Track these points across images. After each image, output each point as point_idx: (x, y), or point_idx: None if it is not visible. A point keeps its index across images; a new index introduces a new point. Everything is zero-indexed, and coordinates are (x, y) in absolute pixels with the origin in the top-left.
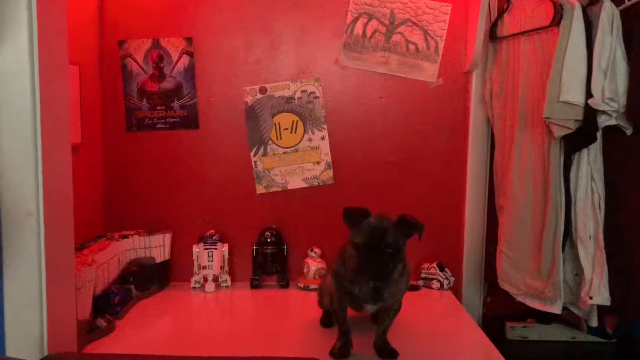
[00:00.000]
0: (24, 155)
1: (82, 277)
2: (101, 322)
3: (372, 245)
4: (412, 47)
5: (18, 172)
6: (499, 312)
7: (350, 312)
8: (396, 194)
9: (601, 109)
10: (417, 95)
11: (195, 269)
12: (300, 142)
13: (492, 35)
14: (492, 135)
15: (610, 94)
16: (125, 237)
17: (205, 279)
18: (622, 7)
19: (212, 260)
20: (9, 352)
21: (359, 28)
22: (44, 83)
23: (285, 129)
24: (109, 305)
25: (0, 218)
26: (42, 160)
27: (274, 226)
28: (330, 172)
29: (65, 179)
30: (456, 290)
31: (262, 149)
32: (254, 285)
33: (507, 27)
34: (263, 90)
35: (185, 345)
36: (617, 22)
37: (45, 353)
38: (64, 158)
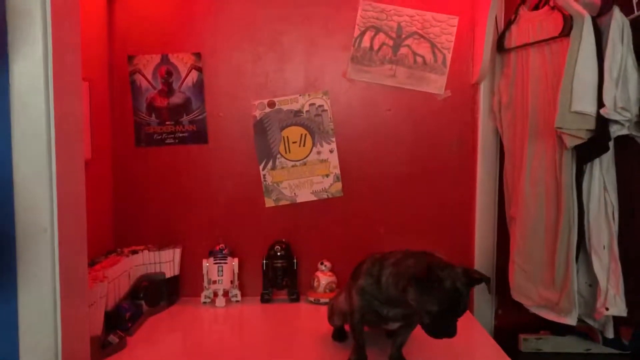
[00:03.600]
0: (39, 171)
1: (95, 293)
2: (113, 338)
3: (450, 313)
4: (419, 59)
5: (33, 188)
6: (510, 325)
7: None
8: (405, 207)
9: (613, 118)
10: (425, 108)
11: (206, 283)
12: (309, 155)
13: (500, 46)
14: (501, 146)
15: (622, 103)
16: (135, 252)
17: (216, 294)
18: (632, 16)
19: (222, 275)
20: None
21: (366, 41)
22: (58, 99)
23: (293, 143)
24: (120, 321)
25: (15, 234)
26: (56, 176)
27: (284, 240)
28: (339, 185)
29: (79, 195)
30: None
31: (271, 163)
32: (265, 300)
33: (515, 38)
34: (271, 104)
35: None
36: (628, 32)
37: None
38: (77, 174)
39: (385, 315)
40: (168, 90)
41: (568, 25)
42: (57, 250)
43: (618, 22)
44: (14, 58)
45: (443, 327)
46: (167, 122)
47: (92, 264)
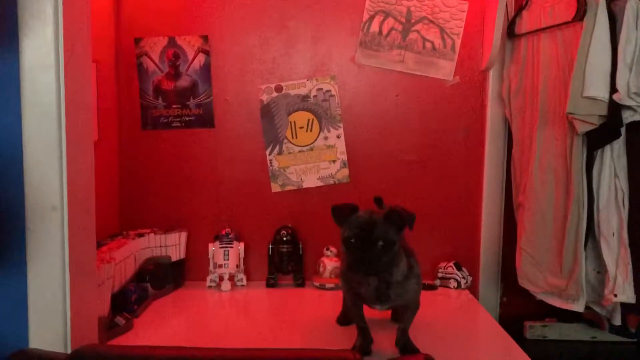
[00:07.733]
0: (49, 150)
1: (102, 274)
2: (119, 320)
3: (363, 239)
4: (428, 45)
5: (43, 167)
6: (516, 312)
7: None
8: (412, 193)
9: (627, 104)
10: (433, 94)
11: (211, 267)
12: (315, 140)
13: (510, 32)
14: (510, 133)
15: (636, 89)
16: (141, 235)
17: (221, 278)
18: None
19: (227, 259)
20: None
21: (375, 26)
22: (69, 78)
23: (300, 128)
24: (127, 303)
25: (25, 213)
26: (66, 154)
27: (290, 225)
28: (346, 171)
29: (88, 174)
30: (473, 289)
31: (277, 148)
32: (270, 284)
33: (525, 24)
34: (279, 89)
35: (201, 343)
36: None
37: (69, 348)
38: (87, 153)
39: (365, 296)
40: (175, 73)
41: (582, 9)
42: (66, 229)
43: (633, 7)
44: (25, 36)
45: (362, 259)
46: (173, 106)
47: (98, 245)
